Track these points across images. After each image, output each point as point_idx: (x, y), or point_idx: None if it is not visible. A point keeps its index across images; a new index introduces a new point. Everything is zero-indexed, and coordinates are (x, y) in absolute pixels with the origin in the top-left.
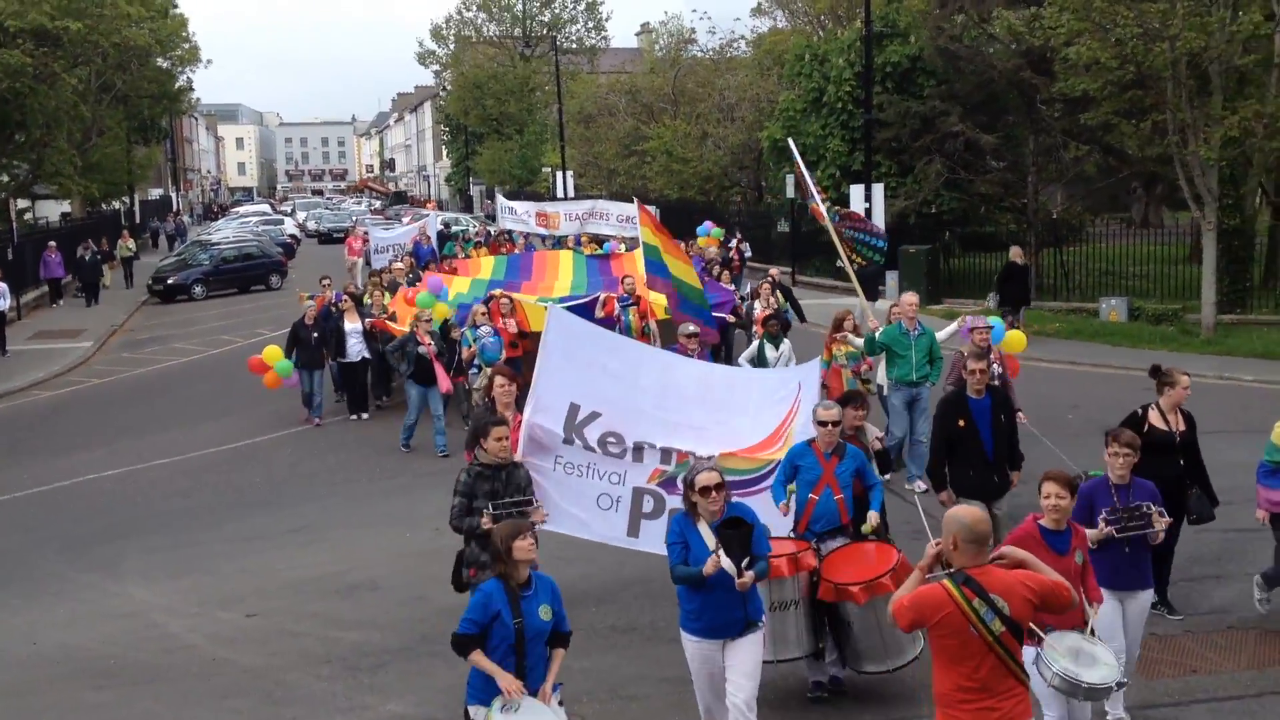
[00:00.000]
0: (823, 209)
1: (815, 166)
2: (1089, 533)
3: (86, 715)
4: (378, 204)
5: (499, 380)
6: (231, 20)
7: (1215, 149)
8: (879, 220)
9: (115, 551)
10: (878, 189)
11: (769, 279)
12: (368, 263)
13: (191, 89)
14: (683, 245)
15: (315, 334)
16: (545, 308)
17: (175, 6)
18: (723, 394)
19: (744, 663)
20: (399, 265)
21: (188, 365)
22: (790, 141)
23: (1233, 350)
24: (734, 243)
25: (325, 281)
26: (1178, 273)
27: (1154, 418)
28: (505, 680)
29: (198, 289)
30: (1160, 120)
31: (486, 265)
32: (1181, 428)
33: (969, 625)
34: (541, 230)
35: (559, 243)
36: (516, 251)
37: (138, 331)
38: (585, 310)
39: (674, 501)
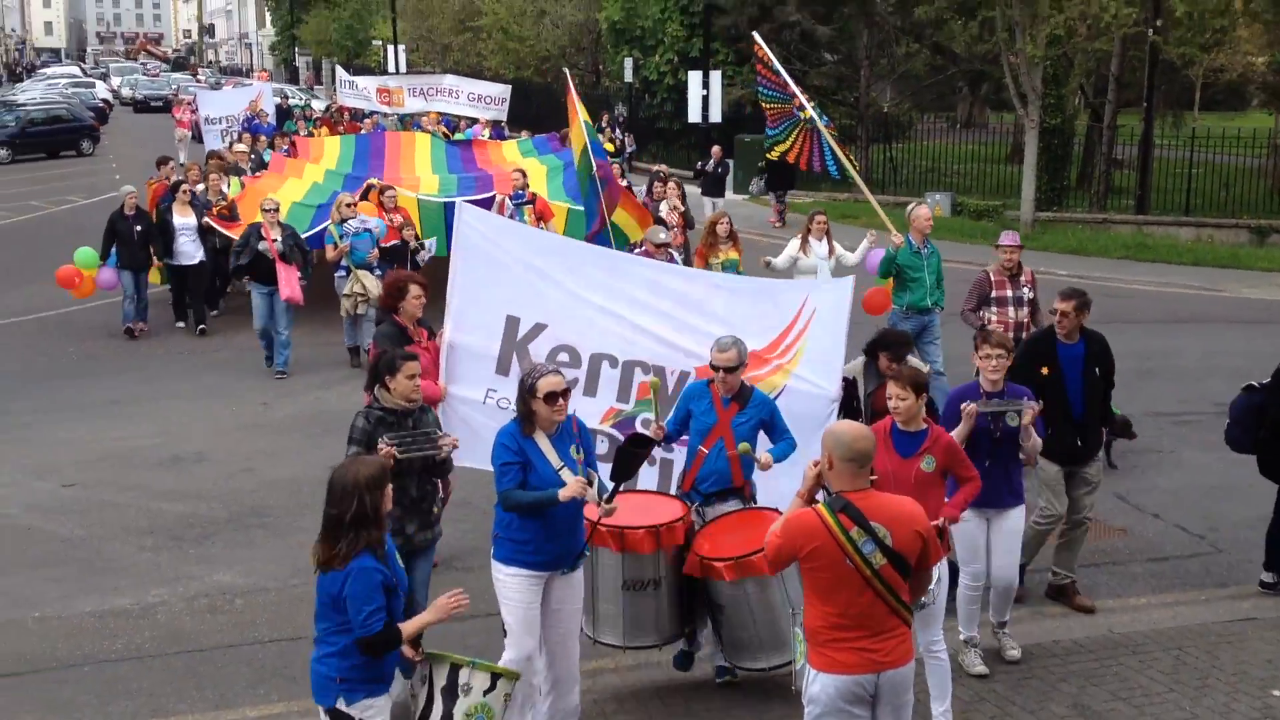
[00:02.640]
0: (812, 111)
1: (653, 51)
2: (955, 431)
3: None
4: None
5: (414, 290)
6: None
7: (1041, 47)
8: (714, 109)
9: None
10: (715, 76)
11: (662, 174)
12: (197, 137)
13: None
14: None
15: (139, 227)
16: (423, 203)
17: None
18: (682, 296)
19: (576, 604)
20: (240, 147)
21: None
22: (756, 36)
23: (1049, 246)
24: (617, 134)
25: (170, 165)
26: (998, 171)
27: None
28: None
29: (2, 152)
30: (990, 17)
31: (331, 148)
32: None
33: (844, 557)
34: (384, 108)
35: (416, 124)
36: (364, 132)
37: None
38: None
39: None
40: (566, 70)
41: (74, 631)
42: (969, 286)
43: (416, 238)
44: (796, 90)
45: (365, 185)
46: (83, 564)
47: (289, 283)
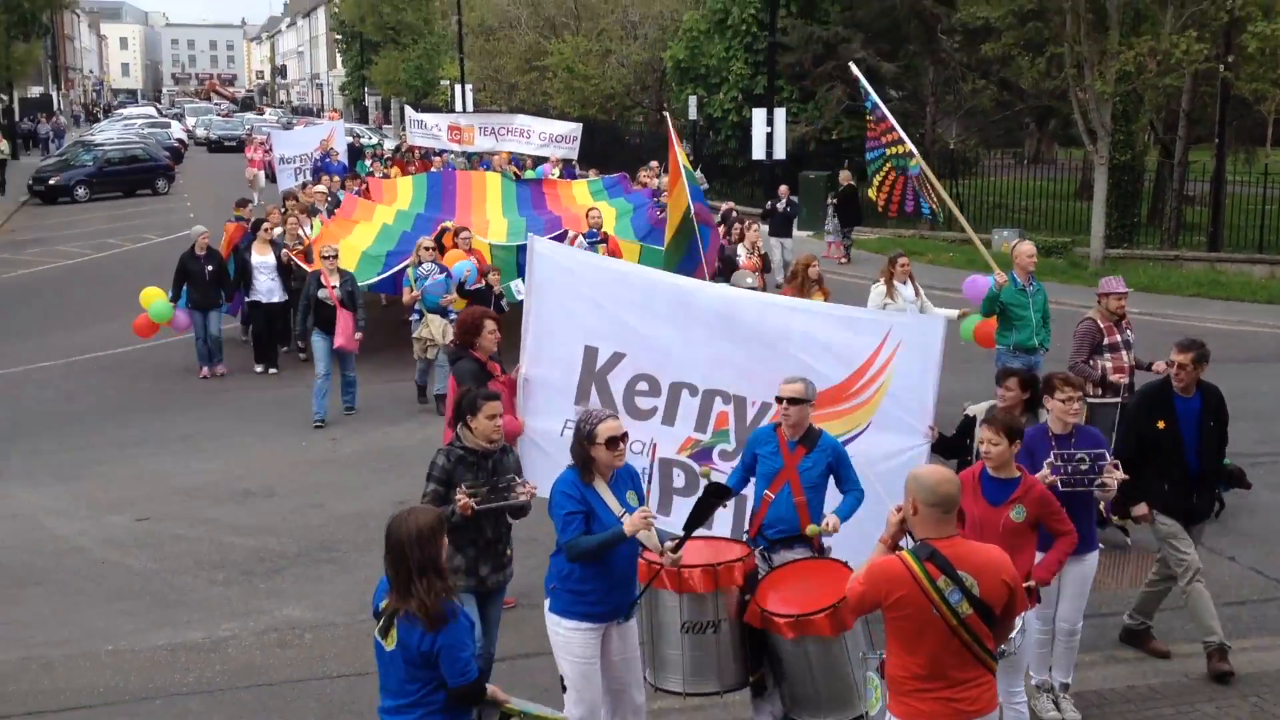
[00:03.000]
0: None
1: (718, 89)
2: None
3: None
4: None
5: (490, 326)
6: None
7: (1110, 83)
8: (779, 146)
9: None
10: (779, 114)
11: (736, 215)
12: (271, 177)
13: None
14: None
15: (210, 267)
16: (495, 249)
17: None
18: (758, 324)
19: (635, 654)
20: (319, 188)
21: (71, 268)
22: (854, 67)
23: None
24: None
25: (248, 208)
26: (1066, 207)
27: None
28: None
29: (80, 191)
30: (1058, 53)
31: (404, 190)
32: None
33: (930, 606)
34: (454, 146)
35: (486, 164)
36: (435, 170)
37: (18, 233)
38: None
39: (713, 477)
40: (668, 114)
41: (146, 665)
42: (1075, 337)
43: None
44: (894, 122)
45: (439, 227)
46: (155, 597)
47: (344, 330)
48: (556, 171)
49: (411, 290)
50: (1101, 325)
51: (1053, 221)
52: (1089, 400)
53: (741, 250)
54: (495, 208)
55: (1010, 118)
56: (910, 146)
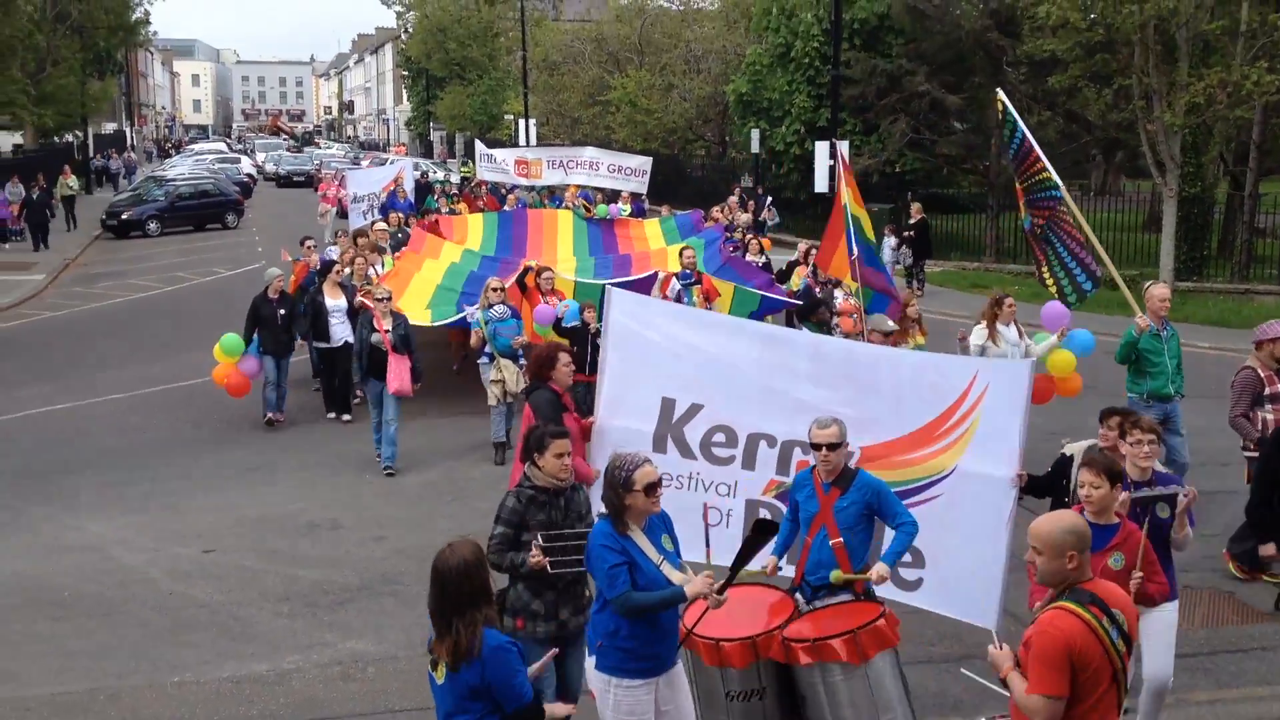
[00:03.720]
0: (1063, 202)
1: (780, 122)
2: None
3: (42, 646)
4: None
5: (564, 359)
6: None
7: (1179, 115)
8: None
9: (69, 485)
10: (842, 146)
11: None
12: (342, 214)
13: (148, 22)
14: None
15: (283, 311)
16: (580, 284)
17: None
18: (844, 369)
19: (687, 702)
20: (381, 225)
21: (142, 301)
22: (1003, 95)
23: (1189, 317)
24: (766, 203)
25: (309, 244)
26: (1134, 239)
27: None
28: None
29: (152, 225)
30: (1125, 85)
31: (475, 228)
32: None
33: (1103, 651)
34: (522, 180)
35: (557, 199)
36: (506, 208)
37: (91, 266)
38: (644, 291)
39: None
40: (840, 143)
41: (211, 697)
42: (1233, 388)
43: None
44: (1040, 152)
45: (522, 267)
46: (221, 629)
47: (399, 375)
48: (627, 209)
49: (480, 332)
50: (1262, 374)
51: (1120, 254)
52: (1245, 455)
53: (839, 293)
54: (566, 249)
55: (1077, 149)
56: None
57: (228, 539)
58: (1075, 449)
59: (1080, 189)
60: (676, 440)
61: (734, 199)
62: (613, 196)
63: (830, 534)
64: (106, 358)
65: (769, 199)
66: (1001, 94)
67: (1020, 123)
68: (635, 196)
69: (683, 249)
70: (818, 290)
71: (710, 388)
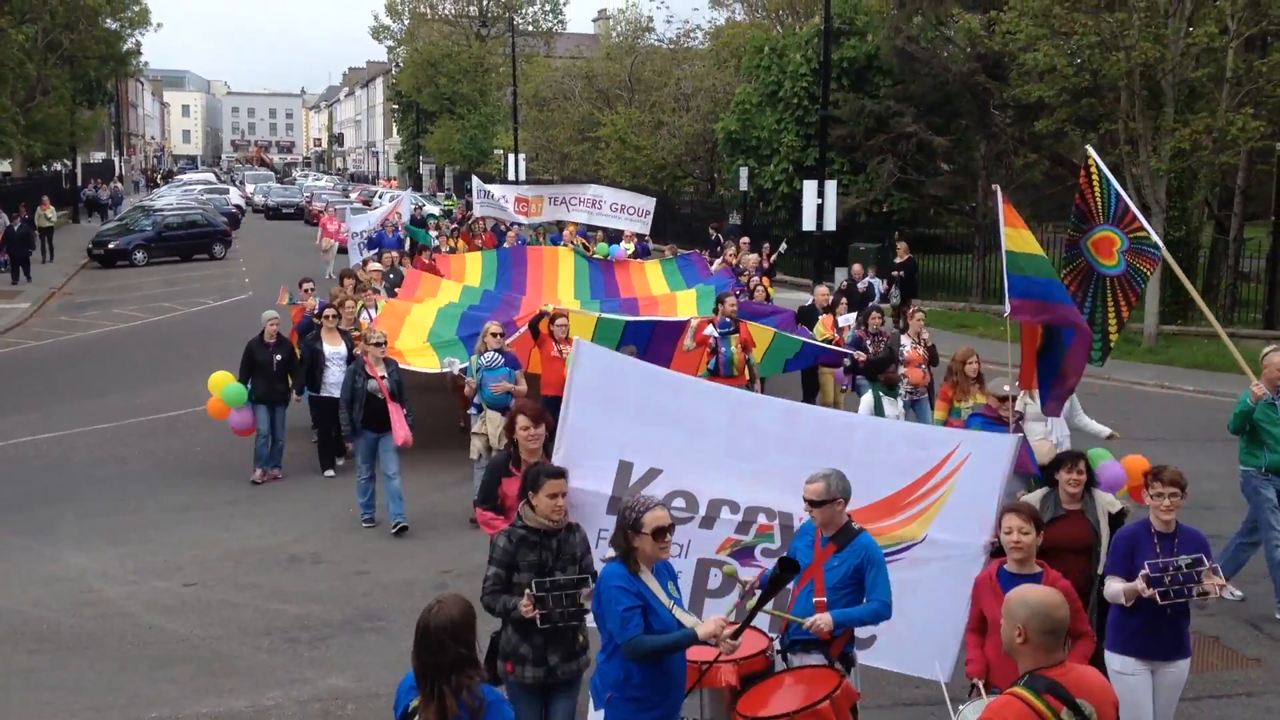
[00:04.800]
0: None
1: (769, 160)
2: (1122, 587)
3: (18, 679)
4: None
5: (522, 422)
6: None
7: (1165, 160)
8: (829, 217)
9: (50, 516)
10: (830, 186)
11: (888, 303)
12: (344, 249)
13: (139, 52)
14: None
15: (279, 357)
16: (595, 317)
17: None
18: (815, 436)
19: None
20: (374, 266)
21: (127, 331)
22: (1093, 152)
23: (1174, 360)
24: (779, 248)
25: (307, 286)
26: None
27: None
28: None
29: (139, 255)
30: (1112, 130)
31: (473, 265)
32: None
33: None
34: (520, 218)
35: (556, 237)
36: (507, 246)
37: (77, 295)
38: (669, 335)
39: (746, 573)
40: (998, 188)
41: None
42: None
43: None
44: (1144, 223)
45: (537, 311)
46: (200, 664)
47: (401, 424)
48: (630, 248)
49: (471, 382)
50: None
51: None
52: None
53: (906, 340)
54: (568, 290)
55: (1063, 191)
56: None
57: (209, 572)
58: (1033, 498)
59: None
60: None
61: (747, 240)
62: (615, 236)
63: (816, 590)
64: (90, 387)
65: (784, 243)
66: (1092, 150)
67: (1113, 181)
68: (640, 237)
69: (723, 297)
70: (868, 342)
71: (672, 452)
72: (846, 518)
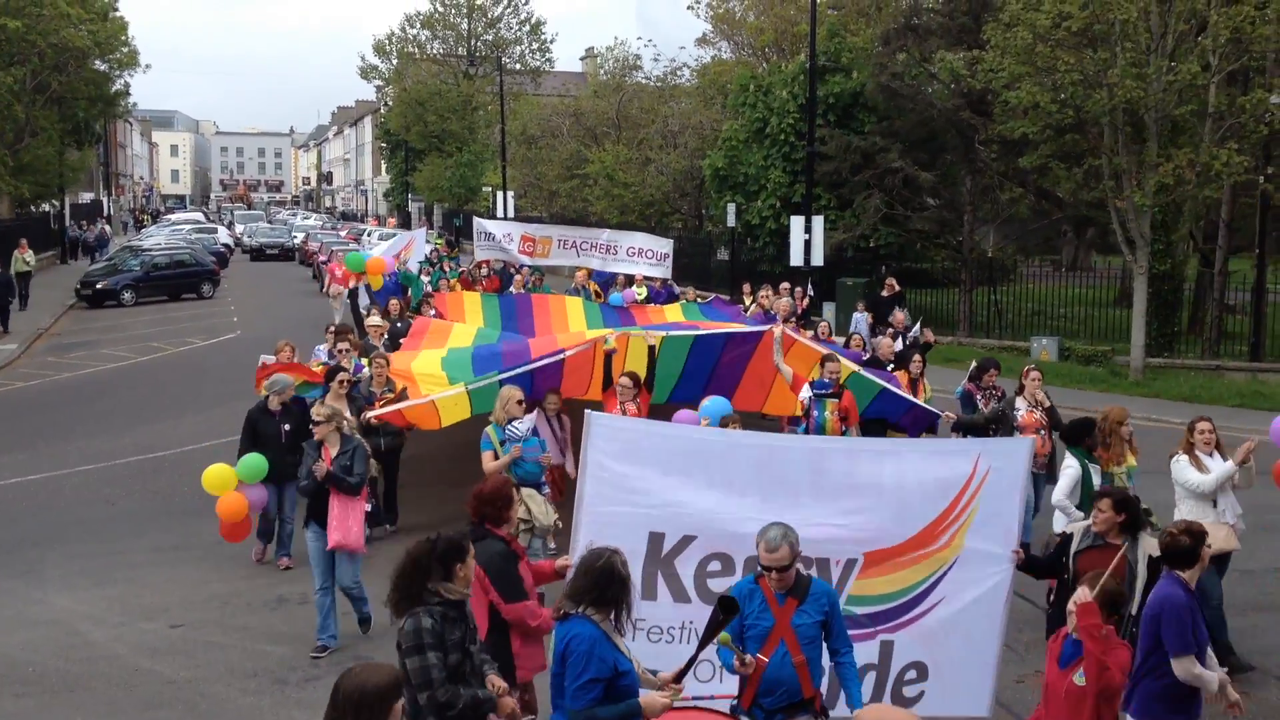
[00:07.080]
0: None
1: (756, 196)
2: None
3: None
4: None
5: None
6: (171, 27)
7: (1149, 195)
8: (817, 252)
9: (36, 557)
10: (817, 221)
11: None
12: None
13: (128, 93)
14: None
15: (287, 426)
16: (655, 339)
17: (115, 9)
18: (846, 476)
19: None
20: (373, 321)
21: (115, 371)
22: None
23: (1160, 393)
24: (809, 290)
25: (285, 349)
26: (1105, 315)
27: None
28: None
29: (127, 295)
30: (1096, 165)
31: (473, 307)
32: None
33: None
34: (525, 259)
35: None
36: (513, 291)
37: (64, 335)
38: (743, 350)
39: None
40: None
41: None
42: None
43: None
44: None
45: (604, 349)
46: (187, 706)
47: (341, 523)
48: (643, 292)
49: (496, 455)
50: None
51: (1091, 329)
52: None
53: (1021, 403)
54: (579, 329)
55: (1048, 225)
56: None
57: (196, 613)
58: (1075, 529)
59: (1052, 264)
60: (668, 577)
61: (787, 285)
62: (629, 280)
63: (791, 650)
64: (77, 428)
65: (810, 281)
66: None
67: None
68: (662, 281)
69: (826, 359)
70: (979, 397)
71: (703, 515)
72: (798, 569)
